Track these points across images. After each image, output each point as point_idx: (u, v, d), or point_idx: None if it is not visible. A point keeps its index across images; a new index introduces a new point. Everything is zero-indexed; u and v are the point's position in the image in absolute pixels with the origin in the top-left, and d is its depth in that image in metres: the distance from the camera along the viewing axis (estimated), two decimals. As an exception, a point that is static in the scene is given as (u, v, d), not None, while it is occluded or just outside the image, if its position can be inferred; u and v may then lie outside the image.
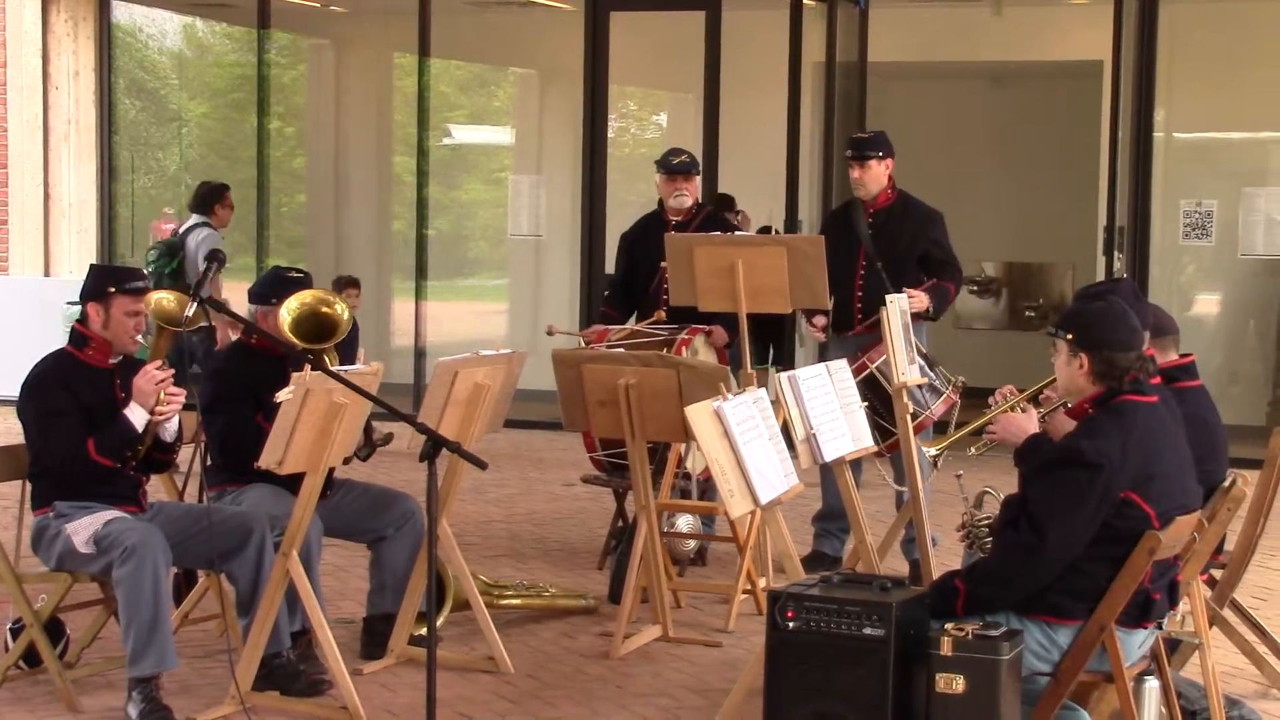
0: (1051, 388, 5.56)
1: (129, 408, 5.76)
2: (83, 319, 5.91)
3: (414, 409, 7.85)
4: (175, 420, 5.95)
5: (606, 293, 9.04)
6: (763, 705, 4.82)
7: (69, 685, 5.85)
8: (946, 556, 7.45)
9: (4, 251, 14.44)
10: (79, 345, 5.90)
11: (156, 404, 5.77)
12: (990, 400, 5.63)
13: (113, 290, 5.84)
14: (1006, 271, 16.11)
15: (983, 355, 14.03)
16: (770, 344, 12.29)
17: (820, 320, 8.02)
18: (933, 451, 6.33)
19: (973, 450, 5.51)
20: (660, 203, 8.58)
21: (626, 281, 8.64)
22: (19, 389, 5.88)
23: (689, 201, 8.47)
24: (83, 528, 5.74)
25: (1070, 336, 4.93)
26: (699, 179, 8.65)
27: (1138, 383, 4.90)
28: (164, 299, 6.03)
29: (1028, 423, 5.20)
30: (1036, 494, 4.81)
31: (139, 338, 5.91)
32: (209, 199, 11.79)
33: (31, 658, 6.05)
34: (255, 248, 14.65)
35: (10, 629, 6.20)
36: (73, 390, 5.77)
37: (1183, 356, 5.78)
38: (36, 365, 5.89)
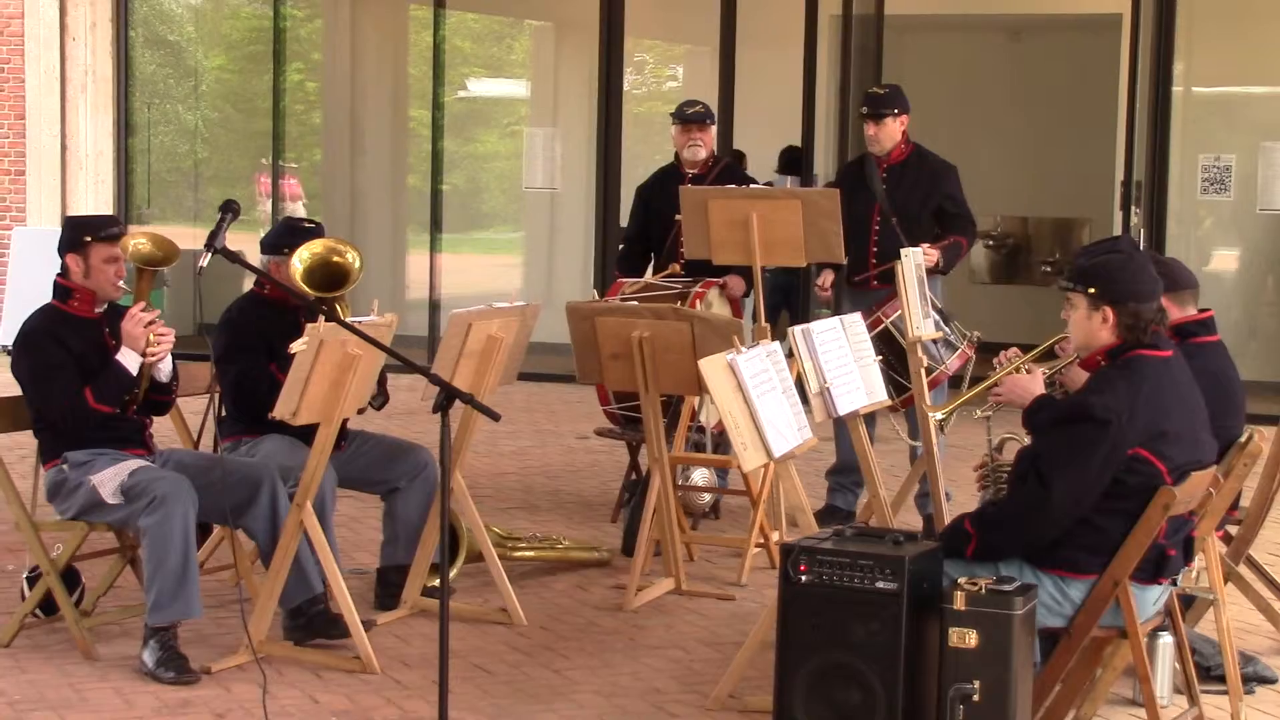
0: (1063, 343, 5.53)
1: (121, 352, 5.75)
2: (64, 271, 5.88)
3: (428, 361, 7.84)
4: (169, 360, 5.94)
5: (621, 247, 9.00)
6: (775, 658, 4.82)
7: (85, 633, 5.87)
8: (960, 511, 7.42)
9: (21, 203, 14.44)
10: (63, 298, 5.87)
11: (147, 345, 5.77)
12: (995, 362, 5.61)
13: (89, 239, 5.82)
14: (1023, 226, 16.06)
15: (998, 310, 14.00)
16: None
17: (826, 279, 8.01)
18: (939, 415, 6.30)
19: (979, 413, 5.49)
20: (676, 155, 8.55)
21: (641, 234, 8.62)
22: (10, 347, 5.84)
23: (703, 153, 8.43)
24: (108, 479, 5.71)
25: (1093, 291, 4.89)
26: (714, 130, 8.62)
27: (1157, 335, 4.89)
28: (139, 243, 5.98)
29: (1033, 384, 5.17)
30: (1045, 448, 4.81)
31: (120, 284, 5.88)
32: (797, 159, 11.46)
33: (48, 606, 6.07)
34: (271, 200, 14.65)
35: (27, 577, 6.22)
36: (63, 342, 5.75)
37: (1201, 311, 5.75)
38: (24, 323, 5.85)
